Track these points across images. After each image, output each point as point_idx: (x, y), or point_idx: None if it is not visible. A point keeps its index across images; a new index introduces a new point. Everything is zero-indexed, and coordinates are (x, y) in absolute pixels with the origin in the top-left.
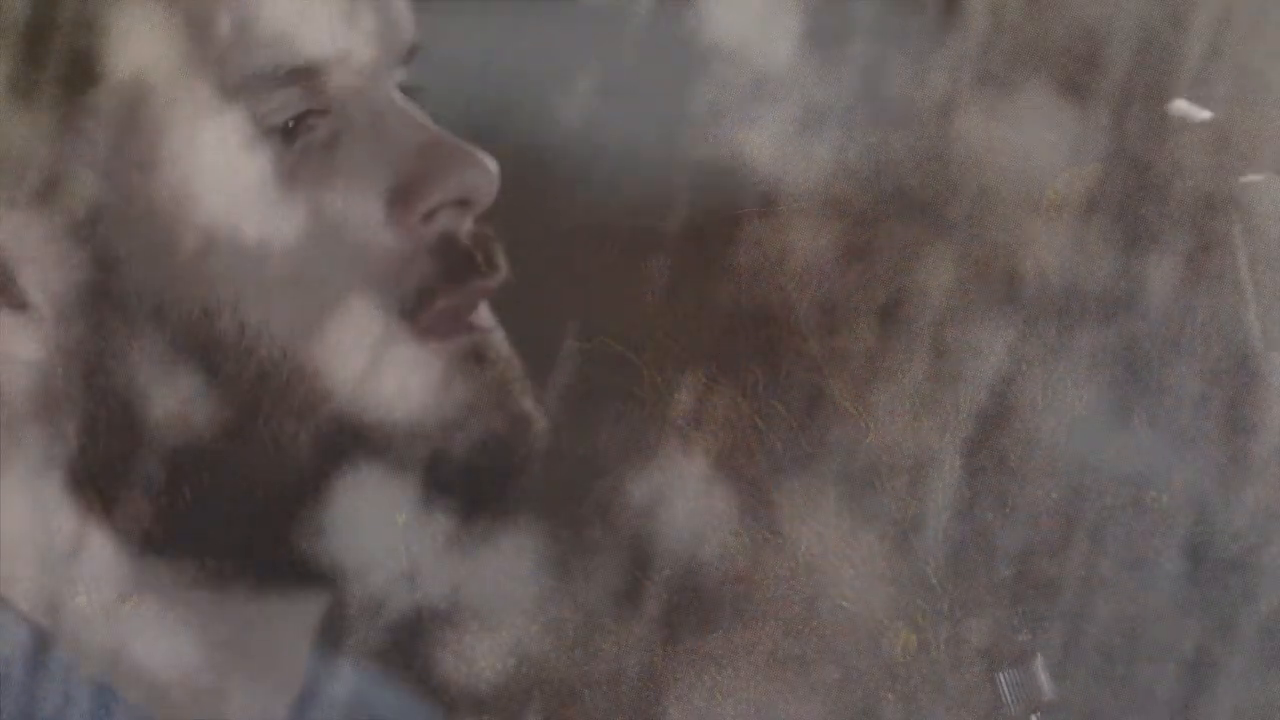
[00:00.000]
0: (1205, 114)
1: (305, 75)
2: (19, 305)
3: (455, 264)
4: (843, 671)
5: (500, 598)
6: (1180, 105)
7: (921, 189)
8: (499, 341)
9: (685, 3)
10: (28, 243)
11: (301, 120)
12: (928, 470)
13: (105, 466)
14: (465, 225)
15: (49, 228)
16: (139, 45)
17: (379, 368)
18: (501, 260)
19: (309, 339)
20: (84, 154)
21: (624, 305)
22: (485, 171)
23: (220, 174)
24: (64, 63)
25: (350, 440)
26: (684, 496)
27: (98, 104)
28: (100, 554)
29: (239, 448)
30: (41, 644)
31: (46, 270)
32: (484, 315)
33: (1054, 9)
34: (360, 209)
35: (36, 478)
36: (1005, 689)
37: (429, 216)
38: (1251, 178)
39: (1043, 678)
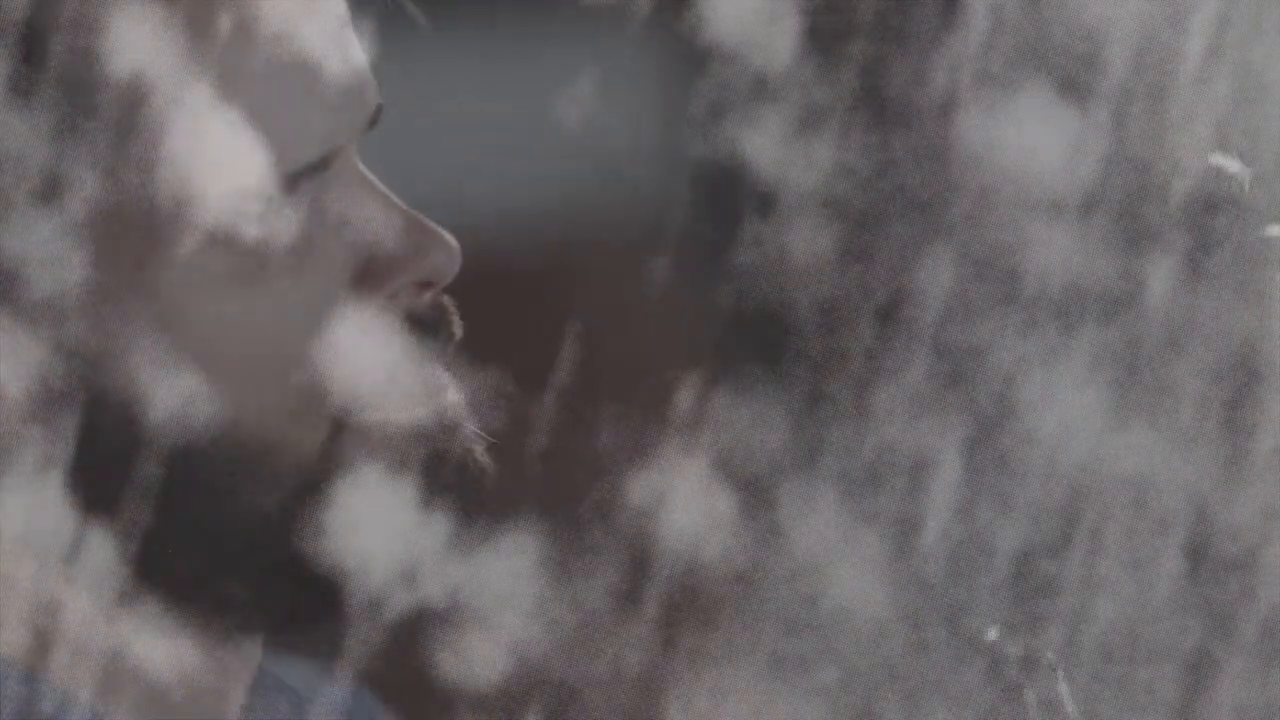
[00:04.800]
0: (1237, 165)
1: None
2: None
3: (417, 338)
4: (843, 671)
5: (500, 598)
6: (1218, 158)
7: (921, 189)
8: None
9: (685, 2)
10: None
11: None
12: (928, 470)
13: (105, 466)
14: (425, 298)
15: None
16: (139, 45)
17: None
18: (458, 327)
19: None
20: (84, 154)
21: (624, 305)
22: (450, 253)
23: (221, 175)
24: (64, 63)
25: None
26: (684, 496)
27: (98, 104)
28: (100, 554)
29: (241, 447)
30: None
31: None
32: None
33: (1054, 9)
34: (330, 291)
35: (36, 478)
36: (1029, 703)
37: (393, 296)
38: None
39: (1065, 694)
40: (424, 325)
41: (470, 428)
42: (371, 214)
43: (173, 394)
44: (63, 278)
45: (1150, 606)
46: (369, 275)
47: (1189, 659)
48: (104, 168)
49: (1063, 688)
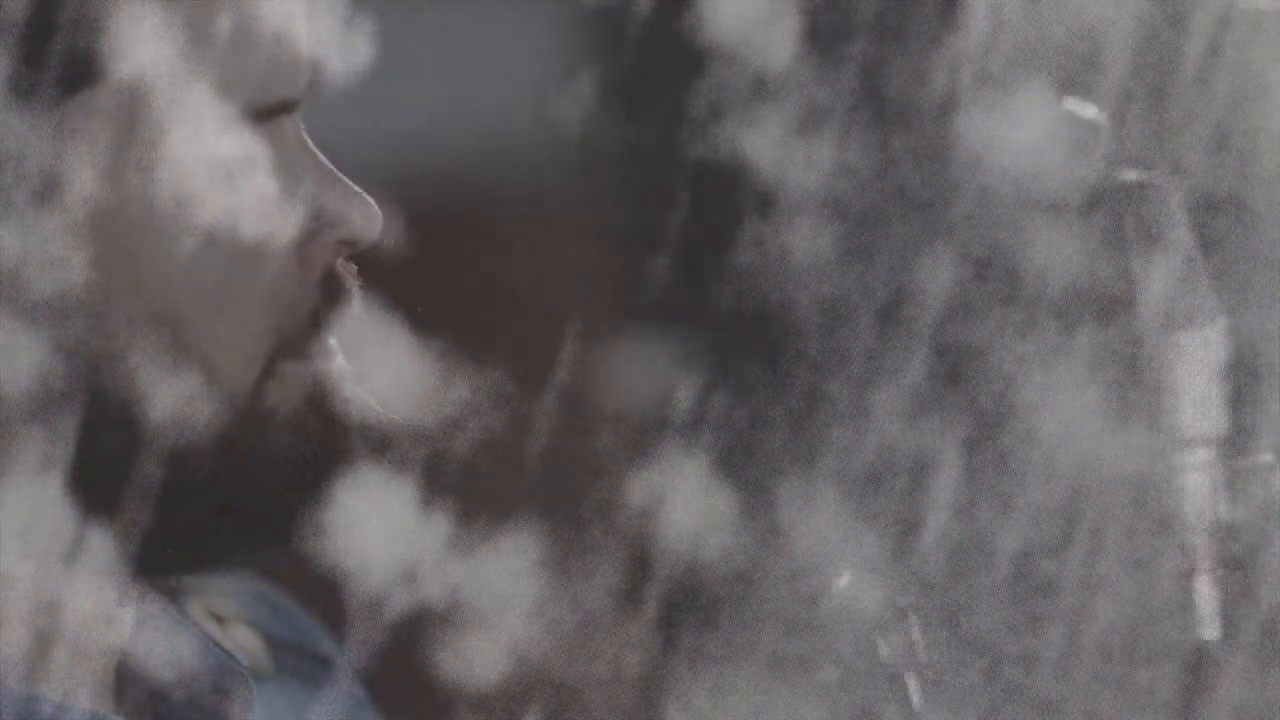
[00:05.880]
0: (1093, 111)
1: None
2: None
3: (335, 294)
4: (843, 671)
5: (500, 598)
6: (1071, 103)
7: (921, 189)
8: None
9: (685, 2)
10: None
11: None
12: (928, 470)
13: (105, 466)
14: (337, 261)
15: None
16: (139, 45)
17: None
18: (358, 293)
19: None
20: (84, 154)
21: (624, 305)
22: (373, 217)
23: (220, 174)
24: (64, 63)
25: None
26: (684, 496)
27: (98, 104)
28: (100, 554)
29: (240, 446)
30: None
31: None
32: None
33: (1054, 9)
34: (279, 240)
35: (36, 478)
36: (883, 651)
37: (320, 251)
38: (1135, 174)
39: (917, 639)
40: (341, 283)
41: (356, 391)
42: (310, 169)
43: (172, 394)
44: (63, 278)
45: (1150, 606)
46: (311, 226)
47: (1189, 659)
48: (104, 168)
49: (916, 636)
